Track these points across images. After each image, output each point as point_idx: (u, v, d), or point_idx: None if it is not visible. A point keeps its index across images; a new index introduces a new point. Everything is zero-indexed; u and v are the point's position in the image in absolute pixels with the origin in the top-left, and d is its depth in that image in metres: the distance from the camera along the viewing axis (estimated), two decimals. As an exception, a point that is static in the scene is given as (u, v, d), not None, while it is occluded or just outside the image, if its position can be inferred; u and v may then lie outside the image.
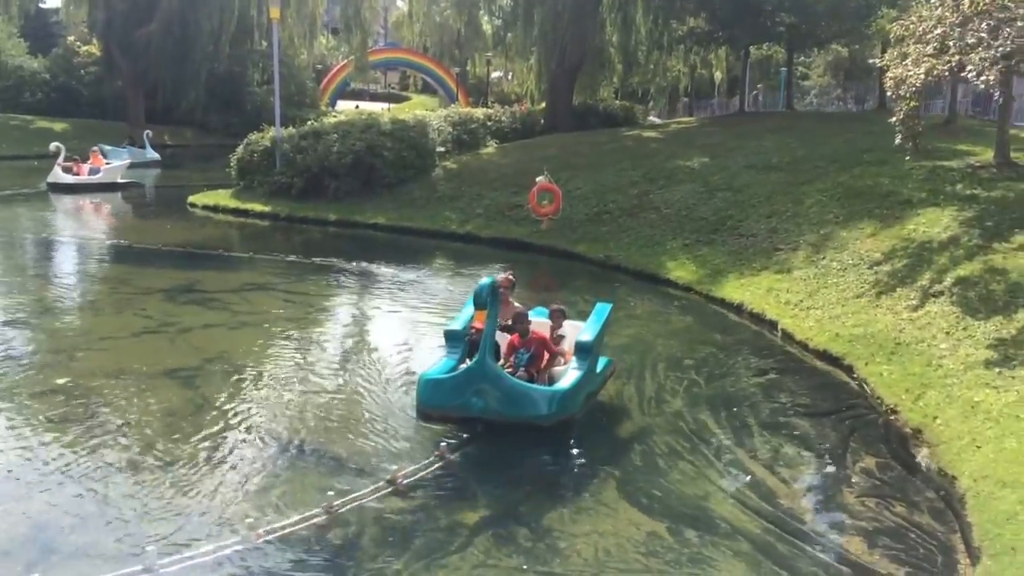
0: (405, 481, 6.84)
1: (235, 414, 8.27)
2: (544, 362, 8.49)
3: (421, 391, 8.23)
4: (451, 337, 8.78)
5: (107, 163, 28.14)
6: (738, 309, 12.62)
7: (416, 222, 19.98)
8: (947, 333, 9.63)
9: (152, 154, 36.05)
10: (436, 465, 7.17)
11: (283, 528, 6.08)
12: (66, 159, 26.85)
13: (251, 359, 10.05)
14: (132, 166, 34.38)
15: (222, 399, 8.65)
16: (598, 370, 8.74)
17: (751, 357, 10.64)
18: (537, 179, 18.25)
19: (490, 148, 25.79)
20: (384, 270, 15.82)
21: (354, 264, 16.14)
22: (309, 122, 24.27)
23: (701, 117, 37.52)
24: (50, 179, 26.36)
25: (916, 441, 7.99)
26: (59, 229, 21.06)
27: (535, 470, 7.34)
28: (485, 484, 7.02)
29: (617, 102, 36.22)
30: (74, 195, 25.74)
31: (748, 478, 7.20)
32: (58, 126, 40.66)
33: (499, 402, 7.83)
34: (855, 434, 8.28)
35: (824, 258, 13.02)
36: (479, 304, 7.86)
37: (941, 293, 10.54)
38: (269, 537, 5.97)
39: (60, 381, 9.10)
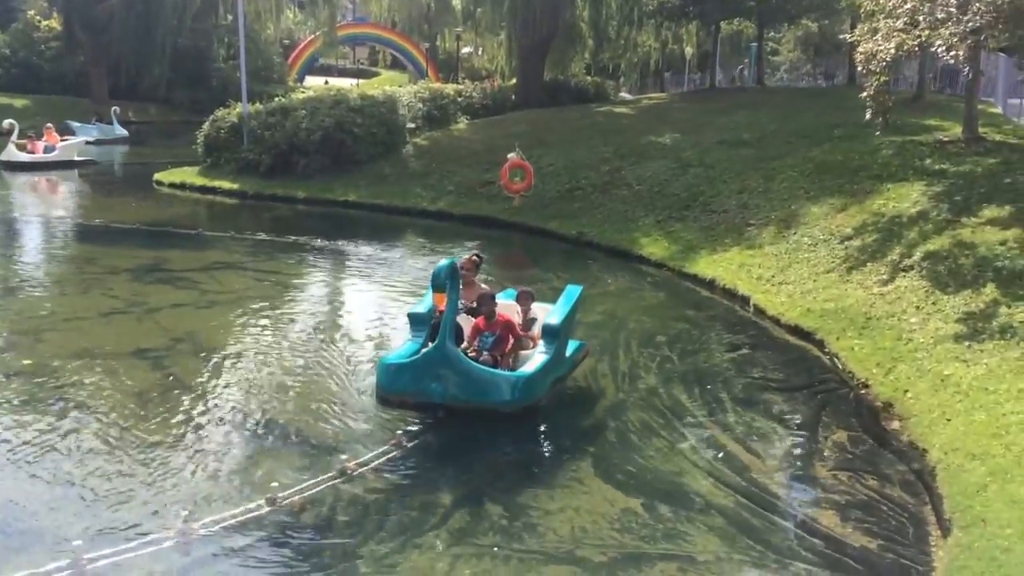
0: (365, 468, 6.72)
1: (204, 395, 8.16)
2: (509, 346, 8.25)
3: (380, 376, 8.01)
4: (415, 320, 8.54)
5: (64, 140, 27.45)
6: (710, 285, 12.66)
7: (387, 199, 19.80)
8: (917, 307, 9.72)
9: (120, 130, 35.42)
10: (392, 454, 7.00)
11: (245, 513, 6.00)
12: (20, 136, 26.22)
13: (220, 339, 9.91)
14: (100, 143, 33.84)
15: (191, 380, 8.53)
16: (568, 353, 8.58)
17: (724, 332, 10.69)
18: (509, 156, 18.14)
19: (461, 124, 25.60)
20: (355, 248, 15.67)
21: (324, 242, 15.97)
22: (277, 98, 23.91)
23: (673, 93, 37.49)
24: (3, 157, 25.67)
25: (887, 415, 8.07)
26: (22, 207, 20.61)
27: (507, 449, 7.31)
28: (458, 464, 6.98)
29: (588, 78, 36.05)
30: (29, 173, 25.14)
31: (721, 453, 7.24)
32: (19, 102, 39.71)
33: (459, 387, 7.61)
34: (827, 408, 8.35)
35: (795, 233, 13.08)
36: (437, 286, 7.60)
37: (911, 267, 10.63)
38: (233, 521, 5.88)
39: (26, 363, 8.92)
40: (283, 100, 23.41)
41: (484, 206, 18.44)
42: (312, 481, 6.47)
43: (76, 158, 26.89)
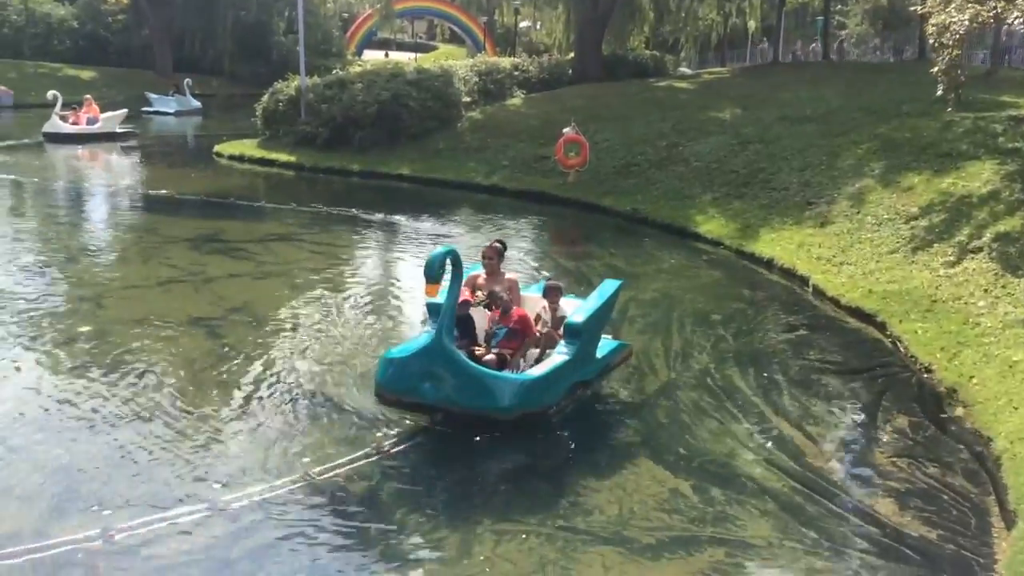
0: (409, 444, 6.71)
1: (257, 364, 8.23)
2: (522, 343, 7.45)
3: (378, 371, 7.10)
4: (434, 311, 7.36)
5: (104, 113, 27.07)
6: (768, 264, 12.37)
7: (441, 173, 19.77)
8: (985, 290, 9.35)
9: (194, 102, 35.92)
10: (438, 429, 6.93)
11: (290, 484, 6.05)
12: (64, 108, 26.06)
13: (274, 309, 10.00)
14: (179, 114, 34.44)
15: (245, 349, 8.62)
16: (601, 355, 7.69)
17: (781, 313, 10.43)
18: (564, 130, 17.93)
19: (517, 99, 25.40)
20: (408, 222, 15.68)
21: (378, 215, 16.02)
22: (334, 71, 24.00)
23: (734, 67, 36.66)
24: (48, 128, 25.51)
25: (951, 401, 7.79)
26: (86, 177, 21.10)
27: (556, 427, 7.17)
28: (503, 441, 6.86)
29: (647, 52, 35.45)
30: (72, 144, 24.88)
31: (776, 436, 7.06)
32: (85, 74, 40.67)
33: (453, 389, 6.68)
34: (887, 393, 8.09)
35: (858, 213, 12.69)
36: (431, 277, 6.64)
37: (980, 249, 10.23)
38: (277, 492, 5.92)
39: (87, 328, 9.12)
40: (340, 73, 23.49)
41: (538, 181, 18.29)
42: (358, 454, 6.48)
43: (117, 130, 26.80)
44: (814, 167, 15.05)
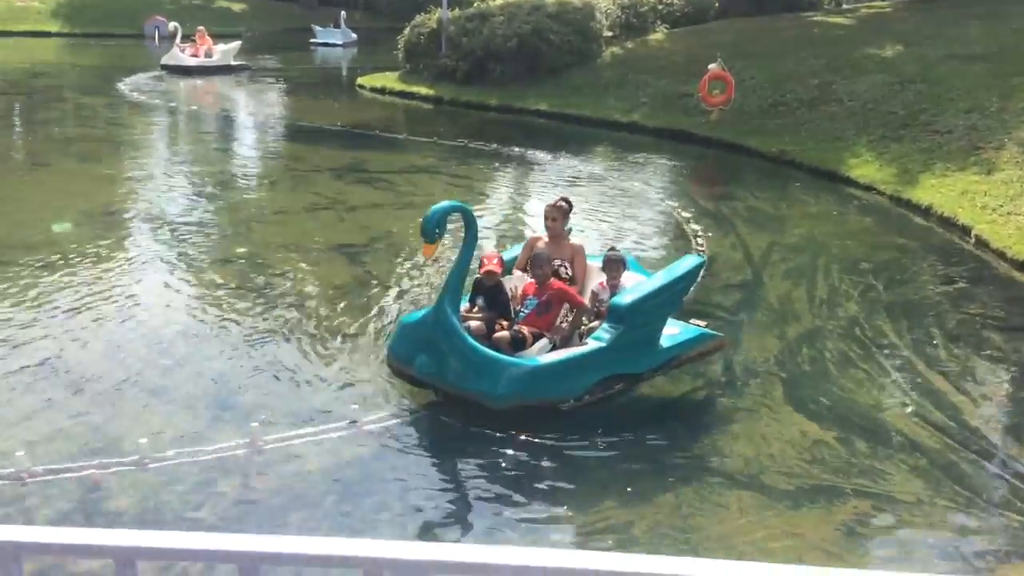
0: None
1: (396, 292, 8.44)
2: (556, 317, 6.53)
3: (392, 337, 6.58)
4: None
5: (218, 44, 26.82)
6: (926, 212, 11.63)
7: (578, 110, 19.47)
8: None
9: (352, 35, 36.70)
10: None
11: (413, 412, 6.19)
12: (182, 40, 26.15)
13: (413, 240, 10.17)
14: (345, 46, 35.31)
15: (385, 276, 8.85)
16: (667, 344, 6.58)
17: (938, 264, 9.82)
18: (709, 67, 17.25)
19: (659, 33, 24.60)
20: (545, 158, 15.58)
21: (516, 150, 15.99)
22: (475, 3, 23.90)
23: (896, 1, 34.29)
24: (168, 60, 25.28)
25: None
26: (237, 106, 21.98)
27: (689, 369, 6.95)
28: (638, 384, 6.80)
29: (800, -15, 33.52)
30: (191, 77, 24.96)
31: (929, 391, 6.70)
32: (236, 6, 42.09)
33: (443, 366, 5.99)
34: (1055, 353, 7.53)
35: (1032, 159, 11.71)
36: (426, 236, 5.92)
37: None
38: (399, 420, 6.07)
39: (240, 250, 9.59)
40: (481, 6, 23.37)
41: (679, 119, 17.76)
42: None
43: (232, 63, 26.67)
44: (982, 109, 13.95)
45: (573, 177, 14.09)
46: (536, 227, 11.03)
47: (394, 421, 6.03)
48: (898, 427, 6.17)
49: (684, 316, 7.55)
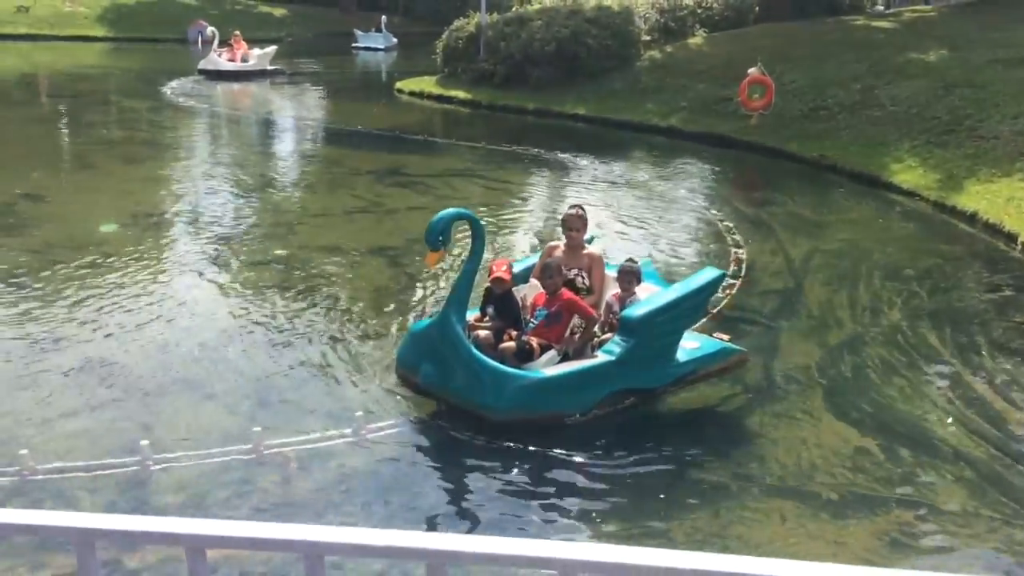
0: None
1: (434, 294, 8.47)
2: (566, 328, 6.33)
3: (401, 344, 6.58)
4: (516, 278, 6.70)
5: (253, 49, 27.01)
6: (971, 219, 11.42)
7: (616, 114, 19.44)
8: None
9: (393, 39, 37.00)
10: None
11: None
12: (219, 45, 26.38)
13: (454, 244, 10.23)
14: (387, 50, 35.69)
15: (424, 279, 8.89)
16: (684, 359, 6.42)
17: (983, 271, 9.66)
18: (749, 71, 17.14)
19: (698, 37, 24.47)
20: (582, 162, 15.56)
21: (553, 154, 15.99)
22: (514, 8, 23.95)
23: (940, 5, 33.78)
24: (205, 64, 25.66)
25: None
26: (277, 109, 22.24)
27: (731, 374, 6.90)
28: (677, 388, 6.76)
29: (841, -12, 33.13)
30: (227, 81, 25.10)
31: (974, 400, 6.58)
32: (278, 11, 42.69)
33: (445, 376, 5.92)
34: (1106, 364, 7.35)
35: (1081, 166, 11.47)
36: (430, 244, 5.87)
37: None
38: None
39: (281, 252, 9.70)
40: (520, 10, 23.43)
41: (718, 124, 17.65)
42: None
43: (268, 67, 26.84)
44: (1030, 114, 13.69)
45: (610, 182, 14.06)
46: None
47: (440, 422, 6.06)
48: (942, 436, 6.07)
49: (721, 323, 7.52)
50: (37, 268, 8.82)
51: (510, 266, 6.65)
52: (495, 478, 5.51)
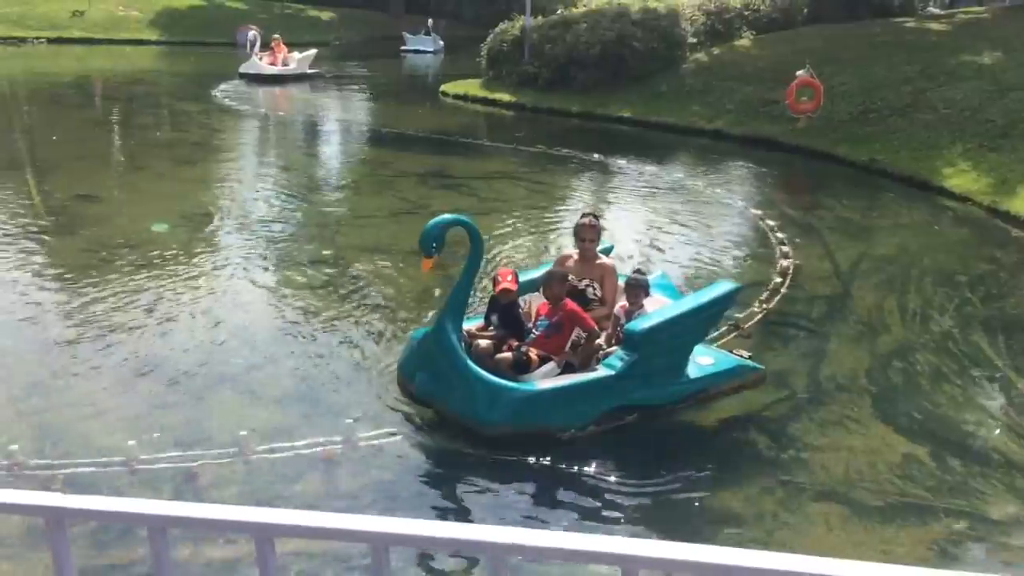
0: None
1: (482, 296, 8.51)
2: (566, 340, 6.13)
3: (403, 352, 6.51)
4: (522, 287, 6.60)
5: (293, 53, 27.02)
6: (1026, 224, 11.20)
7: (662, 117, 19.35)
8: None
9: (440, 42, 37.21)
10: None
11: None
12: (262, 48, 26.51)
13: (496, 245, 10.27)
14: (436, 53, 35.93)
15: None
16: (695, 375, 6.24)
17: (1039, 278, 9.45)
18: (798, 73, 16.94)
19: (745, 40, 24.23)
20: (627, 165, 15.52)
21: (597, 157, 15.97)
22: (559, 11, 23.96)
23: (994, 6, 33.05)
24: (247, 68, 25.66)
25: None
26: (324, 112, 22.52)
27: (773, 379, 6.84)
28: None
29: (893, -11, 32.56)
30: (268, 85, 25.12)
31: (1028, 410, 6.44)
32: (325, 15, 43.16)
33: (437, 386, 5.84)
34: None
35: None
36: (424, 250, 5.80)
37: None
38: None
39: (327, 252, 9.83)
40: (565, 13, 23.43)
41: (765, 127, 17.48)
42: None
43: (308, 71, 26.90)
44: (1089, 118, 13.36)
45: (655, 185, 14.00)
46: (613, 233, 11.03)
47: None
48: (993, 444, 5.96)
49: (761, 331, 7.43)
50: (92, 266, 9.05)
51: (516, 275, 6.53)
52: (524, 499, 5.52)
